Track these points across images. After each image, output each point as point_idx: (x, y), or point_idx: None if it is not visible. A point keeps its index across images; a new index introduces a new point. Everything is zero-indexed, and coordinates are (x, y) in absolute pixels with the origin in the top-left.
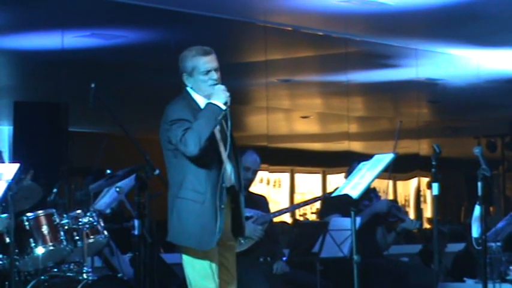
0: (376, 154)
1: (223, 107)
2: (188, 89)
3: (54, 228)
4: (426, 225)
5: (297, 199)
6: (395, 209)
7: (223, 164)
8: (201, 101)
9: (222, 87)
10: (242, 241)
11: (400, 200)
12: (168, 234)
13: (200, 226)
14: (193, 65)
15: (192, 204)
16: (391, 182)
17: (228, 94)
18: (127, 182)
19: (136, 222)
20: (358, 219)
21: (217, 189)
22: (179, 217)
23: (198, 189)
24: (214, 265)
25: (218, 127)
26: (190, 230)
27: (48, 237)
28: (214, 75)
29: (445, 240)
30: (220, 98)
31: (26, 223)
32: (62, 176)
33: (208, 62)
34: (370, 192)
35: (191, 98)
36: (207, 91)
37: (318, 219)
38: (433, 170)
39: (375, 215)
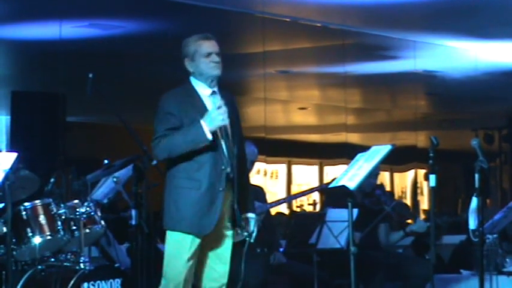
0: (374, 145)
1: (209, 138)
2: (191, 78)
3: (51, 218)
4: (422, 217)
5: (294, 190)
6: (403, 207)
7: (220, 149)
8: (203, 91)
9: (223, 109)
10: (239, 231)
11: (397, 191)
12: (164, 222)
13: (198, 211)
14: (195, 49)
15: (188, 192)
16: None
17: (222, 118)
18: (124, 172)
19: (133, 212)
20: (355, 211)
21: (215, 173)
22: (177, 206)
23: (194, 177)
24: (196, 254)
25: None
26: (189, 216)
27: (45, 227)
28: (216, 57)
29: (440, 233)
30: (213, 122)
31: (23, 213)
32: (59, 166)
33: (209, 46)
34: (376, 189)
35: (191, 86)
36: (209, 73)
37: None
38: (430, 161)
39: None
